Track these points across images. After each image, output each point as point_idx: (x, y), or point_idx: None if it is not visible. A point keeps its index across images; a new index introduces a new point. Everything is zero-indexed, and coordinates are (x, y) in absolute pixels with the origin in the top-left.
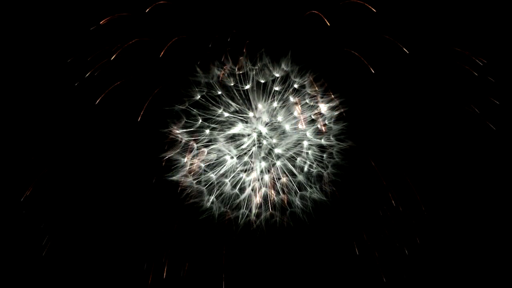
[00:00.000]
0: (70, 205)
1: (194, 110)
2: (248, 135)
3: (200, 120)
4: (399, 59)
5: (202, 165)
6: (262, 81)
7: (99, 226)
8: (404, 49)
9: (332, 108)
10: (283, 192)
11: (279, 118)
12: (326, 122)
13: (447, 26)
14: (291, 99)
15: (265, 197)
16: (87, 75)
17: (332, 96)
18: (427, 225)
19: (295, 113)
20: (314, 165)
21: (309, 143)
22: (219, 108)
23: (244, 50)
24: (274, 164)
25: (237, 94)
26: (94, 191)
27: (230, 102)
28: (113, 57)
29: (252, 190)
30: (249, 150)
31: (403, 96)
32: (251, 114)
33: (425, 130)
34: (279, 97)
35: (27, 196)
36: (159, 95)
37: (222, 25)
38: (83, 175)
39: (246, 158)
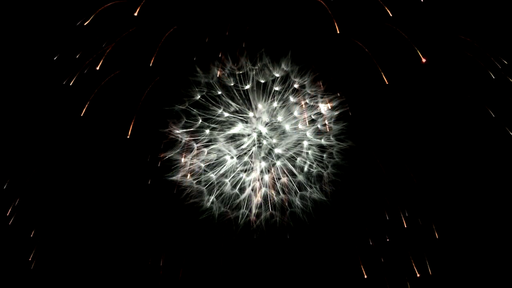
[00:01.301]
0: (68, 206)
1: (194, 110)
2: (248, 135)
3: (200, 120)
4: (404, 57)
5: (202, 165)
6: (262, 81)
7: (97, 227)
8: (415, 46)
9: (332, 108)
10: (283, 192)
11: (279, 118)
12: (326, 122)
13: (458, 20)
14: (291, 99)
15: (265, 197)
16: (74, 77)
17: (339, 95)
18: (430, 225)
19: (296, 113)
20: (314, 165)
21: (309, 143)
22: (219, 108)
23: (243, 45)
24: (274, 164)
25: (237, 94)
26: (92, 192)
27: (230, 102)
28: (100, 63)
29: (252, 190)
30: (249, 150)
31: (406, 96)
32: (251, 114)
33: (431, 130)
34: (279, 97)
35: (23, 194)
36: (156, 91)
37: (220, 15)
38: (81, 175)
39: (246, 158)
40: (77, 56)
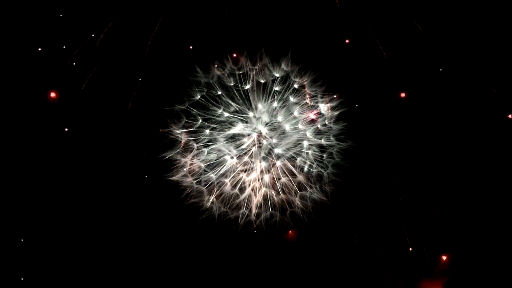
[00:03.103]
0: (66, 207)
1: (194, 110)
2: (248, 135)
3: (200, 120)
4: (405, 53)
5: (202, 165)
6: (262, 81)
7: (96, 228)
8: (420, 28)
9: (332, 108)
10: (283, 192)
11: (279, 118)
12: (326, 122)
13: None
14: (291, 99)
15: (265, 197)
16: (67, 64)
17: (336, 96)
18: (432, 225)
19: (296, 113)
20: (314, 165)
21: (309, 143)
22: (219, 108)
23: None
24: (274, 164)
25: (237, 94)
26: (90, 193)
27: (230, 102)
28: (98, 41)
29: (252, 190)
30: (249, 150)
31: (407, 94)
32: (251, 114)
33: (434, 129)
34: (279, 97)
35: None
36: (155, 91)
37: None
38: (79, 176)
39: (246, 158)
40: (59, 53)
